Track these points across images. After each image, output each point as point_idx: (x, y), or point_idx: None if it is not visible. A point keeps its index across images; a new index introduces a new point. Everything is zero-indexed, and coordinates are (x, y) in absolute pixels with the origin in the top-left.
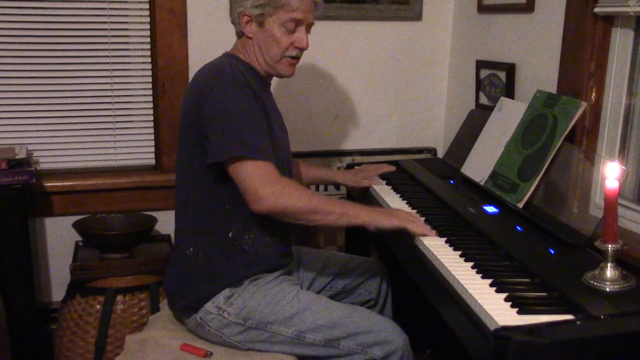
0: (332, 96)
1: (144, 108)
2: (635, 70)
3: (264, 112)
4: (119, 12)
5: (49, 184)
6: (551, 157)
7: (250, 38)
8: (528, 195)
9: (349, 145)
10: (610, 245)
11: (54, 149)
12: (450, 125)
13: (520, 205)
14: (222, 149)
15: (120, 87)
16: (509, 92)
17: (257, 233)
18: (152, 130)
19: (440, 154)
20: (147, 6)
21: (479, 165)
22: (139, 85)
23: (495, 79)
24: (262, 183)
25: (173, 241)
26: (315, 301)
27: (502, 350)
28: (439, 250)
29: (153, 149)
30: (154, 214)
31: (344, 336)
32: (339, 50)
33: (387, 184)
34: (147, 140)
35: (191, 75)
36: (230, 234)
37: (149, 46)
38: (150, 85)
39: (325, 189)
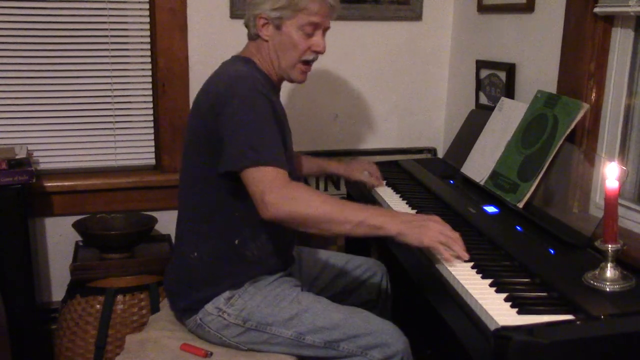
0: (332, 96)
1: (144, 108)
2: (635, 70)
3: (277, 120)
4: (119, 12)
5: (49, 184)
6: (551, 157)
7: (266, 41)
8: (528, 195)
9: (349, 145)
10: (610, 245)
11: (54, 149)
12: (450, 125)
13: (521, 205)
14: (238, 158)
15: (120, 87)
16: (509, 92)
17: (265, 241)
18: (152, 130)
19: (440, 154)
20: (147, 6)
21: (479, 165)
22: (139, 85)
23: (495, 79)
24: (269, 189)
25: (173, 242)
26: (315, 303)
27: (502, 350)
28: None
29: (153, 149)
30: (154, 214)
31: (343, 338)
32: (339, 50)
33: (387, 184)
34: (147, 140)
35: (191, 75)
36: (236, 241)
37: (149, 46)
38: (150, 86)
39: (326, 189)
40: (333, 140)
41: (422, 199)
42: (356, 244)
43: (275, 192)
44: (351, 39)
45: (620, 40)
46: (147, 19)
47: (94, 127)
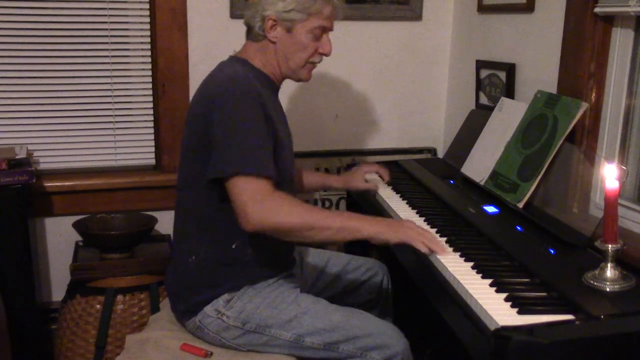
0: (332, 96)
1: (144, 108)
2: (635, 70)
3: (271, 123)
4: (119, 12)
5: (49, 184)
6: (551, 157)
7: (273, 42)
8: (528, 195)
9: (349, 145)
10: (610, 245)
11: (54, 149)
12: (450, 125)
13: (521, 205)
14: (222, 165)
15: (120, 87)
16: (509, 92)
17: (262, 244)
18: (152, 130)
19: (440, 154)
20: (147, 6)
21: (479, 165)
22: (139, 85)
23: (495, 79)
24: (250, 200)
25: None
26: (314, 304)
27: (502, 350)
28: None
29: (153, 149)
30: (154, 214)
31: (343, 340)
32: (339, 50)
33: (387, 184)
34: (147, 140)
35: (191, 75)
36: (233, 246)
37: (149, 46)
38: (150, 86)
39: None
40: (333, 140)
41: (422, 199)
42: (356, 244)
43: (258, 205)
44: (351, 39)
45: (620, 40)
46: (148, 19)
47: (94, 127)
